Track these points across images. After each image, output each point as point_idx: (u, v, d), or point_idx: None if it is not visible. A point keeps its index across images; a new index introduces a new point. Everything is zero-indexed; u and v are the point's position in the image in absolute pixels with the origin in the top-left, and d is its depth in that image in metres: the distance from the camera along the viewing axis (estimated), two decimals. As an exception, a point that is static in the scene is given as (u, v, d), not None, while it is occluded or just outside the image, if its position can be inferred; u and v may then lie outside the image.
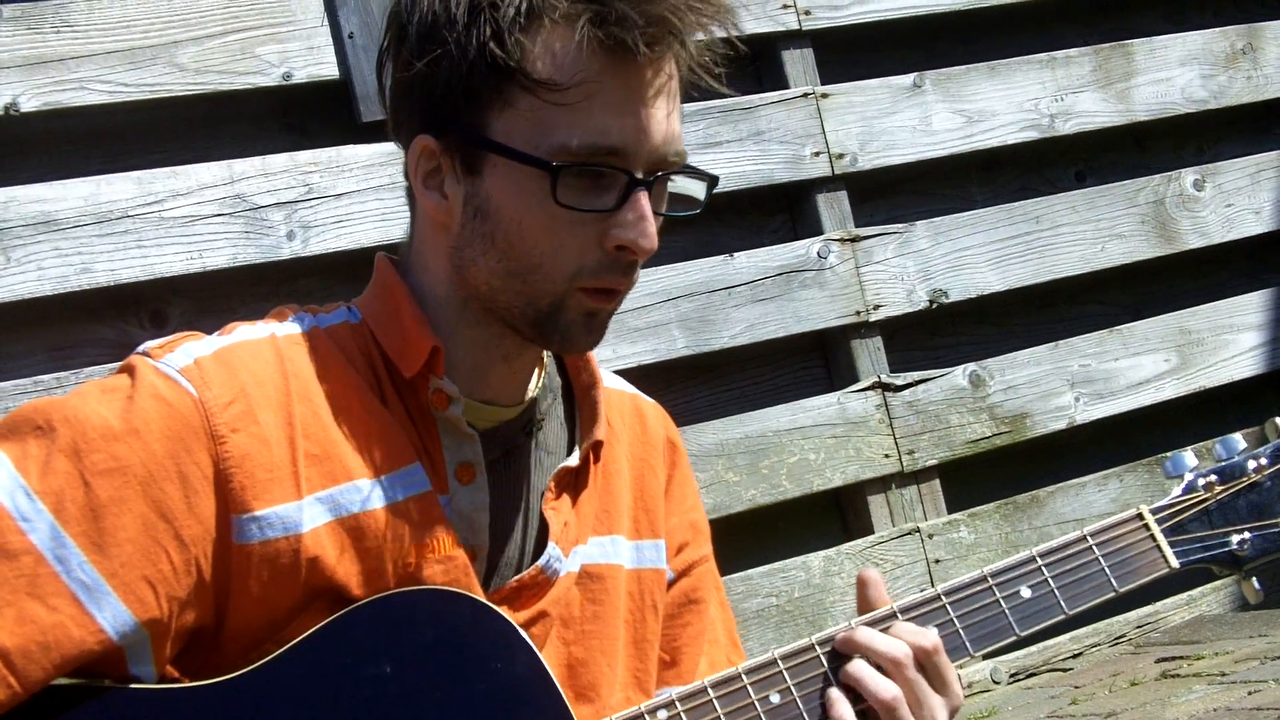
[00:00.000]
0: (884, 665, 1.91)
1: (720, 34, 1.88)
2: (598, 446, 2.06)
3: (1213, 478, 2.15)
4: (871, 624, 1.96)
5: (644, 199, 1.86)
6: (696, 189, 1.98)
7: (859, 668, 1.92)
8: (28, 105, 3.29)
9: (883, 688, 1.90)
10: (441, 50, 1.85)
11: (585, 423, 2.06)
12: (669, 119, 1.88)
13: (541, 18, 1.82)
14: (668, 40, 1.83)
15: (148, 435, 1.75)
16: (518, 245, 1.86)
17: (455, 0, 1.84)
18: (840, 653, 1.94)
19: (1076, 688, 3.77)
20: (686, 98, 1.94)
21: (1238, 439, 2.18)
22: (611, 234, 1.85)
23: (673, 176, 1.92)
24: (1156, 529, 2.11)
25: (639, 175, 1.86)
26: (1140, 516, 2.12)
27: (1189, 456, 2.16)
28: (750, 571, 3.82)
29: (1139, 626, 4.18)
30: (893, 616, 1.97)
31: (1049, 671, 4.04)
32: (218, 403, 1.79)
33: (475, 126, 1.86)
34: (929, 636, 1.93)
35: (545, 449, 2.04)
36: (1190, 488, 2.14)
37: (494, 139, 1.85)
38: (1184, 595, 4.25)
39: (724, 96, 1.94)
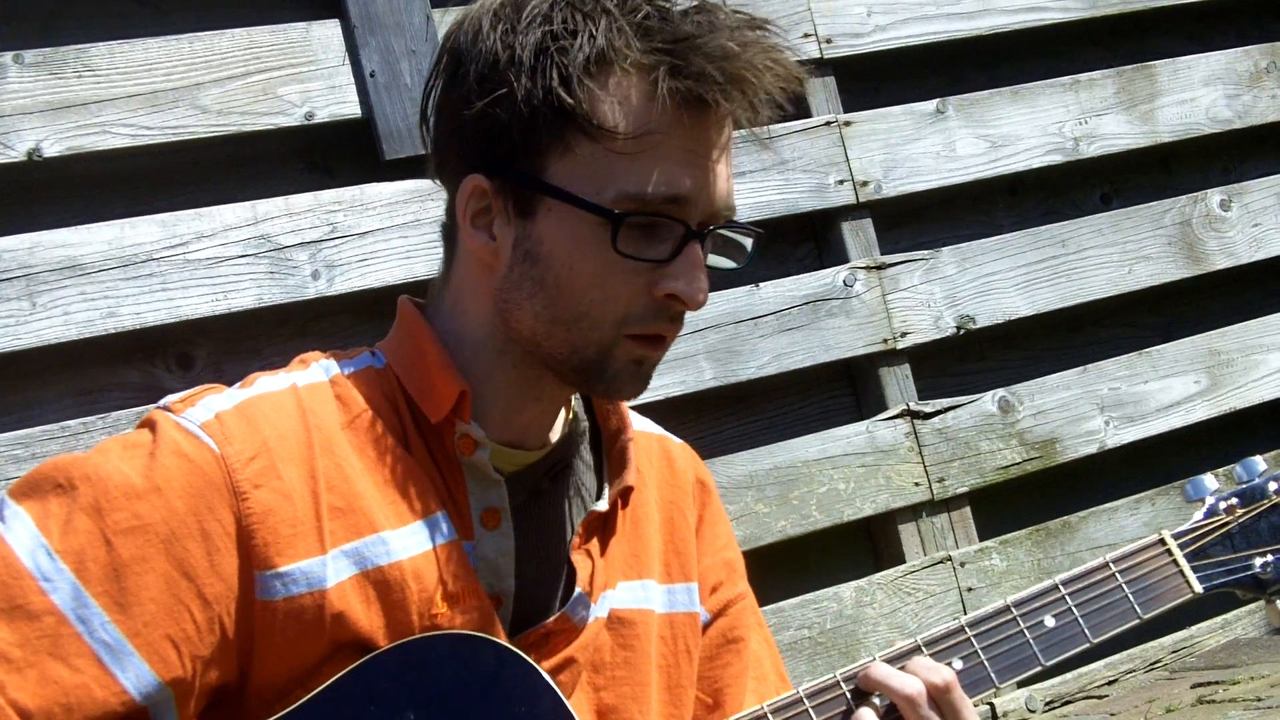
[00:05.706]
0: (898, 703, 1.90)
1: (784, 97, 1.87)
2: (627, 492, 2.04)
3: (1234, 500, 2.14)
4: (894, 658, 1.95)
5: (698, 250, 1.86)
6: (738, 245, 1.98)
7: (867, 713, 1.91)
8: (51, 150, 3.30)
9: None
10: (503, 91, 1.82)
11: (614, 468, 2.05)
12: (728, 174, 1.88)
13: (612, 65, 1.81)
14: (743, 101, 1.83)
15: (169, 493, 1.75)
16: (567, 290, 1.85)
17: (521, 40, 1.82)
18: (862, 690, 1.93)
19: (1112, 715, 3.74)
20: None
21: (1258, 461, 2.17)
22: (663, 284, 1.85)
23: (722, 231, 1.92)
24: (1179, 554, 2.10)
25: (694, 227, 1.85)
26: (1162, 542, 2.11)
27: (1209, 480, 2.16)
28: (782, 603, 3.81)
29: (1174, 651, 4.15)
30: (916, 650, 1.96)
31: (1084, 699, 4.01)
32: (240, 458, 1.78)
33: (533, 170, 1.84)
34: (942, 673, 1.92)
35: (572, 493, 2.03)
36: (1212, 511, 2.14)
37: (552, 183, 1.83)
38: (1219, 619, 4.21)
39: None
